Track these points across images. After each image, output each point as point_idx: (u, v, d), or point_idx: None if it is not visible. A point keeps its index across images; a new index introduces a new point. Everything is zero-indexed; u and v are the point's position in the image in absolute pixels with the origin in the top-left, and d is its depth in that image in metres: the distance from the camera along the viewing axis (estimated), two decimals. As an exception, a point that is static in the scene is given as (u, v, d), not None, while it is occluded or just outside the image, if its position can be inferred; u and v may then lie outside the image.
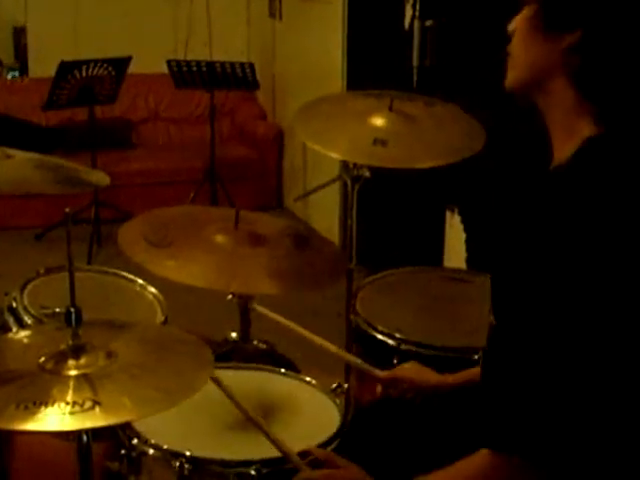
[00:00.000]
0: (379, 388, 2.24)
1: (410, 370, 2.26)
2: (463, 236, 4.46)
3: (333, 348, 2.43)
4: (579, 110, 1.55)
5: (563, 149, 1.58)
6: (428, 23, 4.51)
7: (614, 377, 1.47)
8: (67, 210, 1.81)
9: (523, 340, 1.49)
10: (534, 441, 1.47)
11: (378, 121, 2.72)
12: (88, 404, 1.62)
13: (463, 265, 4.41)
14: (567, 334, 1.44)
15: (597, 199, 1.46)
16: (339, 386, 2.41)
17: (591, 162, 1.52)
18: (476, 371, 1.91)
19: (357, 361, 2.46)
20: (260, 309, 2.49)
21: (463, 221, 4.47)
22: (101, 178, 2.40)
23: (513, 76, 1.64)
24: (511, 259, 1.53)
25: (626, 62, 1.51)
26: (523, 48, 1.60)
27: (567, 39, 1.52)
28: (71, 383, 1.70)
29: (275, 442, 1.99)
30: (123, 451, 2.12)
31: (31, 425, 1.59)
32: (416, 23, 4.56)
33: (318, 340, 2.43)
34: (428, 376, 2.22)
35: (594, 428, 1.47)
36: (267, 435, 2.01)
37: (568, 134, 1.57)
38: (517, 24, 1.62)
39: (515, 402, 1.50)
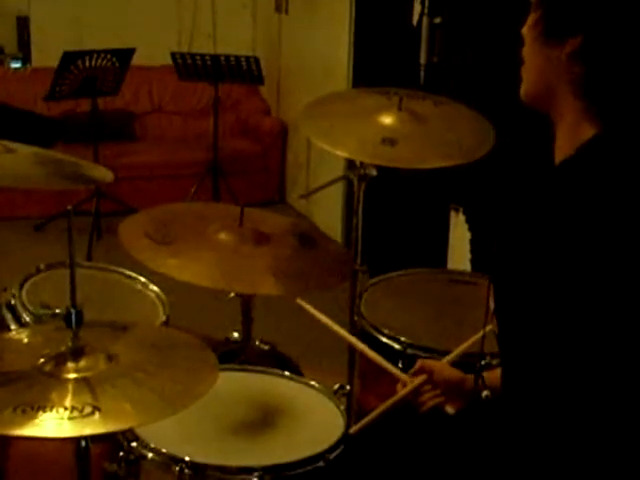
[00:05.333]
0: (399, 386, 2.17)
1: (434, 362, 2.20)
2: (468, 236, 4.43)
3: (377, 357, 2.34)
4: (584, 117, 1.53)
5: (564, 151, 1.55)
6: (437, 20, 4.46)
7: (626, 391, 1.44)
8: (69, 207, 1.76)
9: (531, 350, 1.47)
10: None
11: (387, 120, 2.68)
12: (88, 409, 1.58)
13: (467, 265, 4.37)
14: (576, 343, 1.41)
15: (599, 198, 1.44)
16: (341, 387, 2.37)
17: (592, 161, 1.50)
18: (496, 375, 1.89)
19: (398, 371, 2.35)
20: (304, 305, 2.42)
21: (468, 221, 4.43)
22: (105, 174, 2.35)
23: (524, 86, 1.63)
24: (513, 266, 1.51)
25: (628, 66, 1.49)
26: (529, 56, 1.59)
27: (569, 45, 1.50)
28: (70, 387, 1.66)
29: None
30: (121, 453, 2.08)
31: (29, 430, 1.55)
32: (424, 20, 4.52)
33: (362, 347, 2.36)
34: (451, 372, 2.15)
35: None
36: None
37: (571, 139, 1.55)
38: (524, 31, 1.60)
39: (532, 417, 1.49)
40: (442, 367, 2.16)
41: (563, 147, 1.57)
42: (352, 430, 2.10)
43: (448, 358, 2.27)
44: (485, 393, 1.92)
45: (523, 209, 1.55)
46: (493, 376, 1.98)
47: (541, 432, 1.50)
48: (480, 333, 2.30)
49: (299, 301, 2.43)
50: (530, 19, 1.57)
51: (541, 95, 1.59)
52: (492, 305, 1.61)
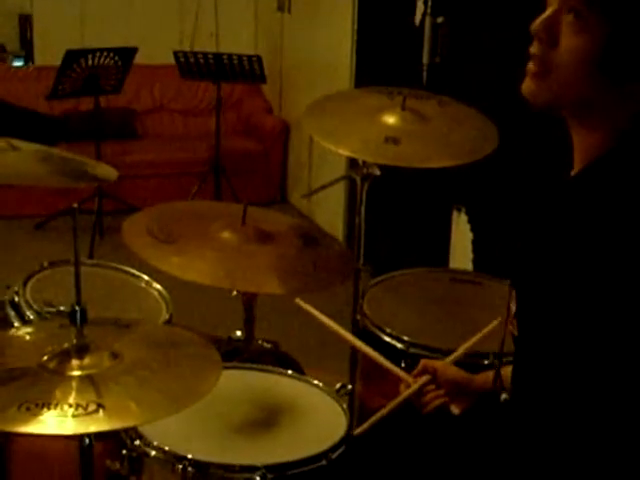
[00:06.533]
0: (402, 387, 2.17)
1: (437, 362, 2.19)
2: (470, 236, 4.43)
3: (378, 357, 2.33)
4: (608, 132, 1.50)
5: (583, 160, 1.53)
6: (439, 20, 4.46)
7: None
8: (75, 205, 1.76)
9: (548, 355, 1.46)
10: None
11: (390, 119, 2.68)
12: (92, 407, 1.58)
13: (469, 265, 4.37)
14: (595, 348, 1.40)
15: (625, 206, 1.42)
16: (343, 386, 2.37)
17: (611, 172, 1.48)
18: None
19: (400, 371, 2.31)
20: (303, 305, 2.42)
21: (470, 221, 4.43)
22: (109, 172, 2.35)
23: (549, 89, 1.51)
24: (538, 271, 1.50)
25: None
26: (573, 73, 1.47)
27: (629, 87, 1.44)
28: (74, 384, 1.66)
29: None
30: (124, 451, 2.08)
31: (33, 428, 1.55)
32: (427, 19, 4.52)
33: (363, 346, 2.36)
34: (455, 372, 2.15)
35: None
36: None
37: (591, 148, 1.52)
38: (569, 44, 1.46)
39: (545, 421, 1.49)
40: (445, 367, 2.16)
41: (583, 154, 1.55)
42: (356, 432, 2.10)
43: (451, 358, 2.27)
44: (504, 396, 1.90)
45: (549, 212, 1.53)
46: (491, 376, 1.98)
47: (551, 436, 1.49)
48: (481, 333, 2.32)
49: (298, 301, 2.43)
50: (581, 37, 1.45)
51: (568, 105, 1.52)
52: (513, 308, 1.61)
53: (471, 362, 2.35)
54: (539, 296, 1.48)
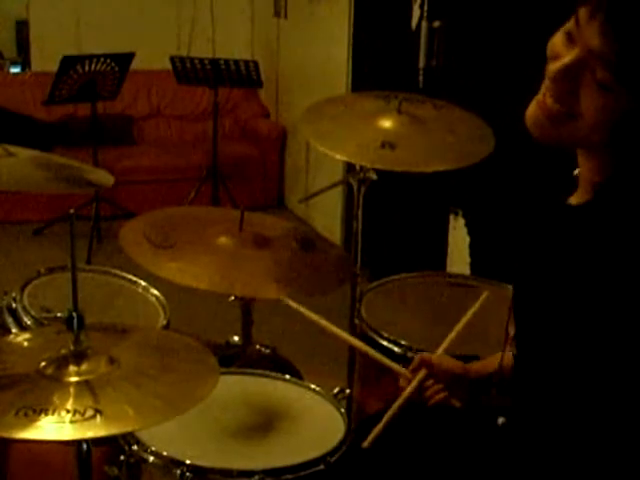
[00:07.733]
0: (402, 382, 2.15)
1: (432, 355, 2.18)
2: (467, 239, 4.43)
3: (374, 352, 2.33)
4: (617, 159, 1.49)
5: (589, 185, 1.53)
6: (436, 24, 4.47)
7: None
8: (71, 211, 1.76)
9: (550, 375, 1.48)
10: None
11: (386, 123, 2.68)
12: (89, 412, 1.58)
13: (466, 268, 4.38)
14: (601, 371, 1.41)
15: (626, 233, 1.42)
16: (341, 391, 2.37)
17: (618, 197, 1.47)
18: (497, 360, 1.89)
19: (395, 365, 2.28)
20: (292, 304, 2.41)
21: (467, 224, 4.44)
22: (105, 178, 2.35)
23: (565, 133, 1.47)
24: (540, 296, 1.51)
25: None
26: (591, 127, 1.44)
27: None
28: (72, 390, 1.66)
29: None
30: (122, 457, 2.08)
31: (31, 433, 1.55)
32: (423, 24, 4.53)
33: (357, 342, 2.37)
34: (451, 362, 2.14)
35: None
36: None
37: (599, 171, 1.51)
38: (592, 102, 1.41)
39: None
40: (441, 359, 2.13)
41: (587, 178, 1.54)
42: (366, 443, 2.06)
43: (444, 345, 2.25)
44: (501, 420, 1.88)
45: (556, 234, 1.54)
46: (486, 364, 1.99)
47: (554, 451, 1.49)
48: (468, 314, 2.33)
49: (286, 300, 2.42)
50: (604, 99, 1.41)
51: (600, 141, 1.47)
52: (511, 331, 1.62)
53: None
54: (542, 318, 1.49)
